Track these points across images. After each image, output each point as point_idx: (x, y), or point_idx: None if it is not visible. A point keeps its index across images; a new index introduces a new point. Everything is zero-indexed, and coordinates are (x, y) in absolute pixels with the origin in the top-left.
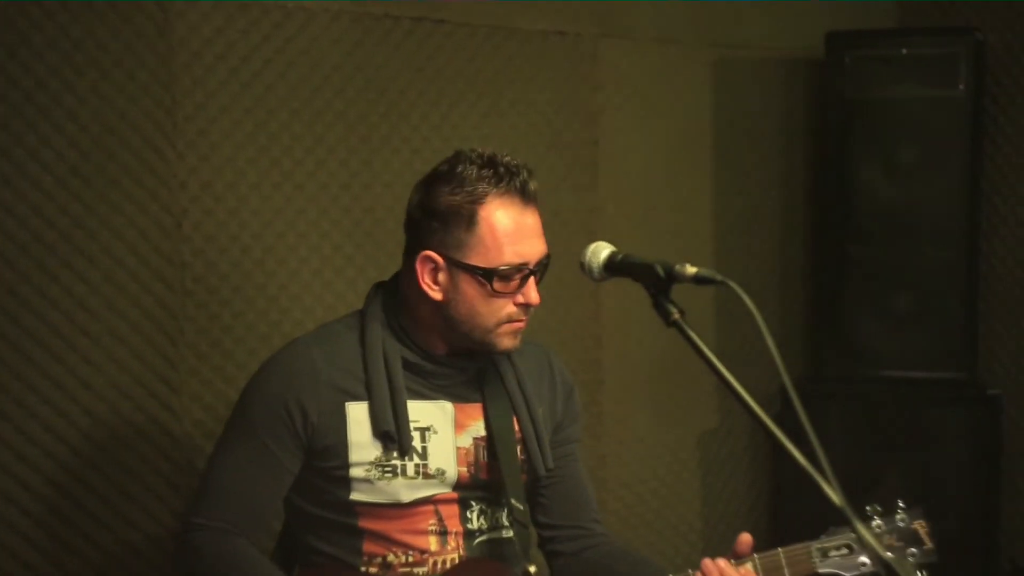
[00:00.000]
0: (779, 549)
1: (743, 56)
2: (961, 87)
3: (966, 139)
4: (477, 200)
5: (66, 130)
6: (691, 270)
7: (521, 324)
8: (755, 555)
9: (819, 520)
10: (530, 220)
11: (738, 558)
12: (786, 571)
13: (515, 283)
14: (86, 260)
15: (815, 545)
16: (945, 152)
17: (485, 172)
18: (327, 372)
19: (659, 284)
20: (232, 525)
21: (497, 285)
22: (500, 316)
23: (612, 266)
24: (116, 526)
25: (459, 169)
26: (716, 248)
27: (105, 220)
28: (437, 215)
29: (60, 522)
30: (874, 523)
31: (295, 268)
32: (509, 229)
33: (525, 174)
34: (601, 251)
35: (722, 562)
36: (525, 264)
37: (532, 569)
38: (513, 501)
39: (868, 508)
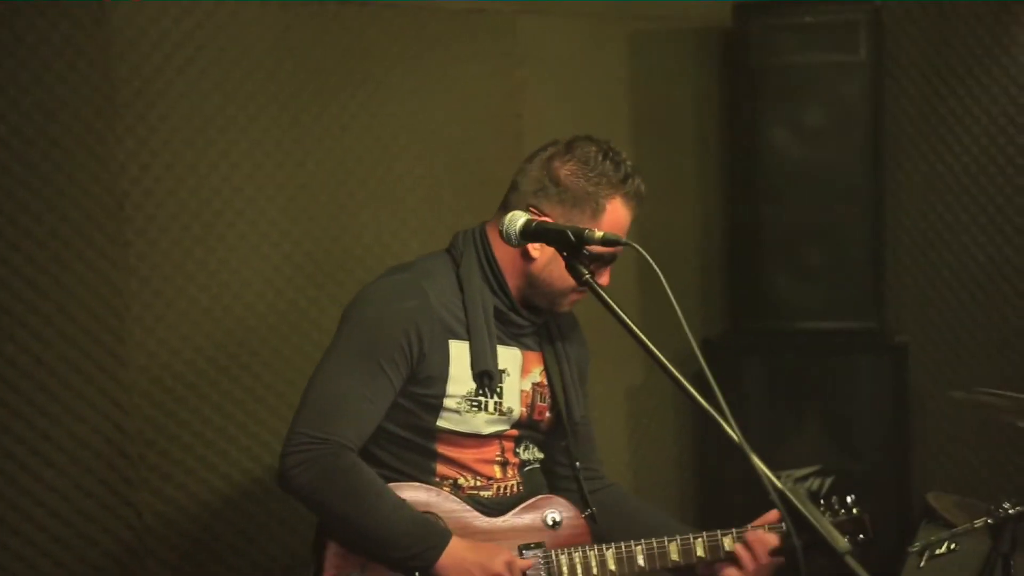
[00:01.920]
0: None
1: (656, 28)
2: (862, 52)
3: (868, 102)
4: (610, 196)
5: (9, 119)
6: (598, 234)
7: (583, 296)
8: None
9: (741, 469)
10: (630, 221)
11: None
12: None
13: (599, 267)
14: (33, 242)
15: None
16: (849, 114)
17: (616, 173)
18: (437, 308)
19: (571, 247)
20: (350, 442)
21: (591, 267)
22: (573, 287)
23: (528, 232)
24: (71, 517)
25: (594, 159)
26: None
27: (51, 203)
28: (569, 192)
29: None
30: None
31: (234, 244)
32: (618, 226)
33: (641, 179)
34: (518, 219)
35: (762, 532)
36: (613, 255)
37: (592, 510)
38: (572, 451)
39: (822, 502)
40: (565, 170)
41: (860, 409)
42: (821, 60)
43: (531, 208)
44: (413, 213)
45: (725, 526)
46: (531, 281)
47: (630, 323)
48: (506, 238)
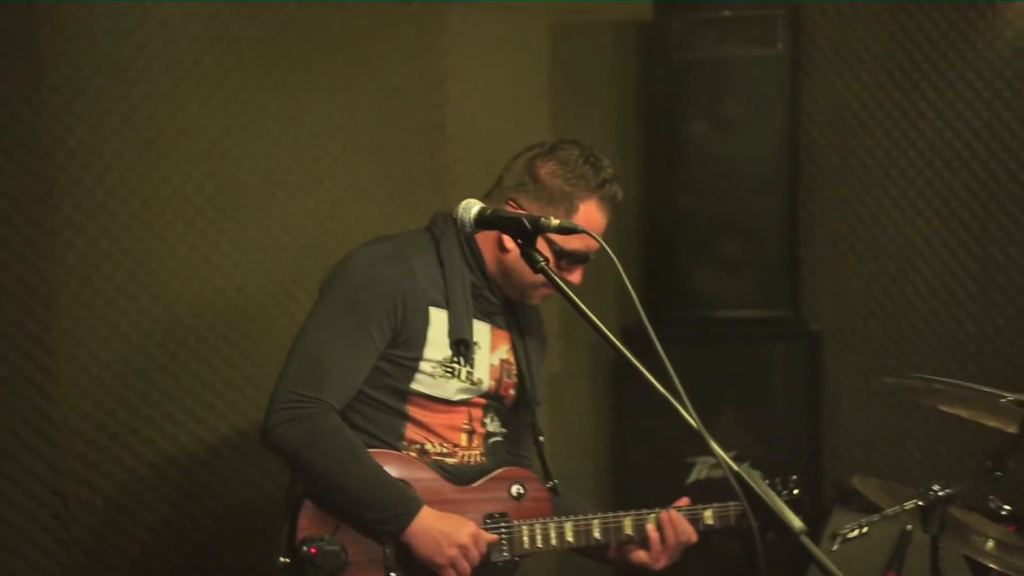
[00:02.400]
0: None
1: (578, 21)
2: (780, 47)
3: (785, 95)
4: (585, 198)
5: None
6: (555, 222)
7: (552, 293)
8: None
9: (654, 455)
10: (604, 224)
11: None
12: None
13: (571, 265)
14: None
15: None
16: (766, 108)
17: (595, 177)
18: (419, 276)
19: (526, 235)
20: (336, 402)
21: (563, 263)
22: (544, 282)
23: (483, 220)
24: None
25: (573, 160)
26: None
27: None
28: (546, 189)
29: None
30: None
31: (161, 232)
32: (592, 228)
33: (618, 186)
34: (472, 207)
35: (675, 513)
36: (585, 254)
37: (555, 482)
38: (536, 426)
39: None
40: (545, 169)
41: (775, 396)
42: (740, 54)
43: (510, 202)
44: (337, 203)
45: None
46: (505, 271)
47: (587, 311)
48: (460, 226)
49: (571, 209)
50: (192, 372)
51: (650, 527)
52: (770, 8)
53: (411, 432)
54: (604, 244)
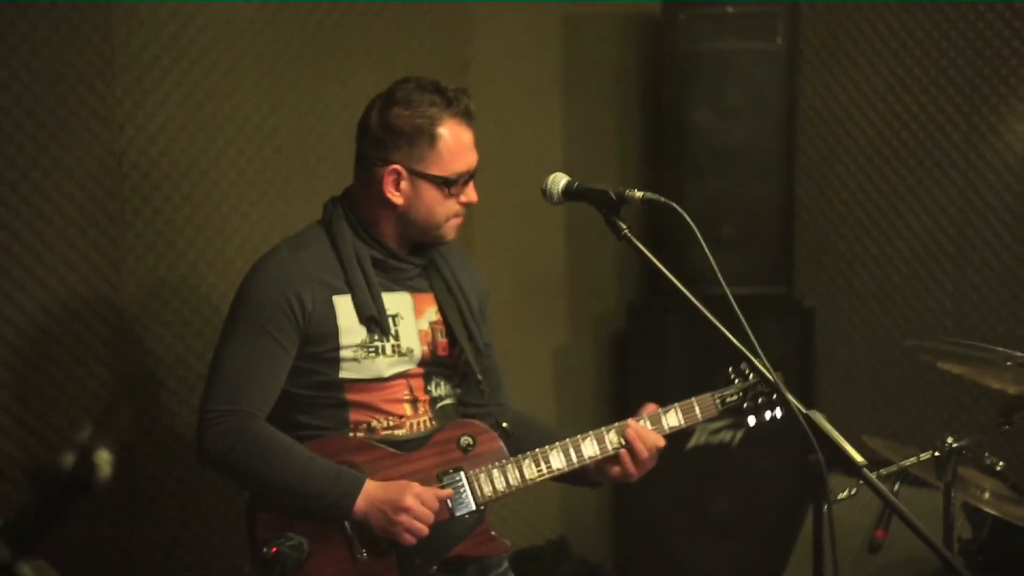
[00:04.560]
0: (692, 399)
1: (590, 11)
2: (779, 41)
3: (783, 87)
4: (441, 121)
5: (21, 78)
6: (639, 194)
7: (462, 219)
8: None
9: None
10: (471, 136)
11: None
12: (699, 414)
13: (461, 187)
14: (42, 196)
15: (716, 395)
16: (765, 98)
17: (442, 99)
18: (314, 270)
19: (610, 205)
20: (256, 409)
21: (452, 190)
22: (449, 213)
23: (570, 192)
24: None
25: (415, 95)
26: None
27: (56, 160)
28: (403, 134)
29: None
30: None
31: (217, 202)
32: (461, 144)
33: (467, 98)
34: (560, 180)
35: (638, 426)
36: (469, 171)
37: (505, 425)
38: (479, 376)
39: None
40: (392, 115)
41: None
42: (741, 48)
43: (378, 163)
44: None
45: (645, 479)
46: (406, 223)
47: (665, 270)
48: (548, 198)
49: (433, 137)
50: None
51: (616, 445)
52: (770, 5)
53: (354, 415)
54: (684, 214)
